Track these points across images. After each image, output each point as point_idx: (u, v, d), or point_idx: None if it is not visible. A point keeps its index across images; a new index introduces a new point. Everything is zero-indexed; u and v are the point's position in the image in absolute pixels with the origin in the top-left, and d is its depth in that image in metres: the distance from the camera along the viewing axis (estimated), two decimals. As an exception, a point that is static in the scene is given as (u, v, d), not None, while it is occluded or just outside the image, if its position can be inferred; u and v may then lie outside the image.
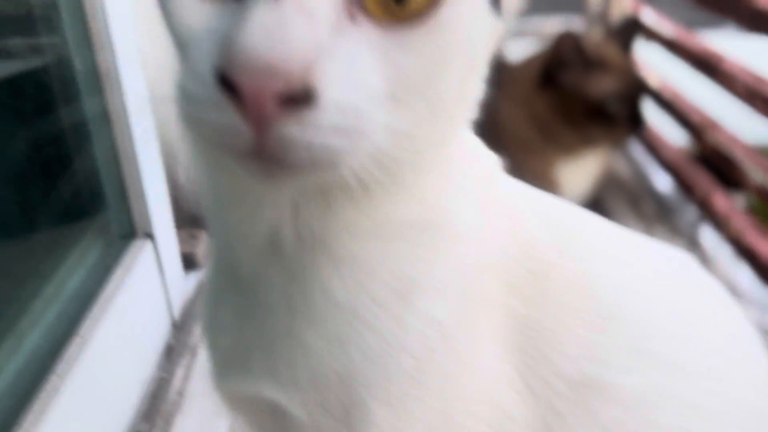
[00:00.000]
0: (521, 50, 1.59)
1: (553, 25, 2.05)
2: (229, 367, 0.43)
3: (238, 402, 0.45)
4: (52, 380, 0.58)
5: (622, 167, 1.61)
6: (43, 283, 0.67)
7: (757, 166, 1.12)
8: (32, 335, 0.62)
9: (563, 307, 0.42)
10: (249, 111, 0.26)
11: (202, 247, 0.98)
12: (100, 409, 0.66)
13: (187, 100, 0.29)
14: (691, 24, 1.46)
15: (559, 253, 0.42)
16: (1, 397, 0.55)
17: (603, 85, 1.27)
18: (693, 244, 1.32)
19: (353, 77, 0.28)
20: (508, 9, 0.35)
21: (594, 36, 1.65)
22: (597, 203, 1.45)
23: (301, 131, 0.27)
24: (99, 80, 0.70)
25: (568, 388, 0.41)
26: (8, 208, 0.69)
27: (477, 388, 0.40)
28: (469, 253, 0.40)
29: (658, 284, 0.46)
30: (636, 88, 1.32)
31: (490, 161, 0.44)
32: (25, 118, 0.68)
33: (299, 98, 0.26)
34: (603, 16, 1.76)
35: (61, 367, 0.59)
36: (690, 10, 1.35)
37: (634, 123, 1.31)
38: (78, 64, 0.69)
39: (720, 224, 1.22)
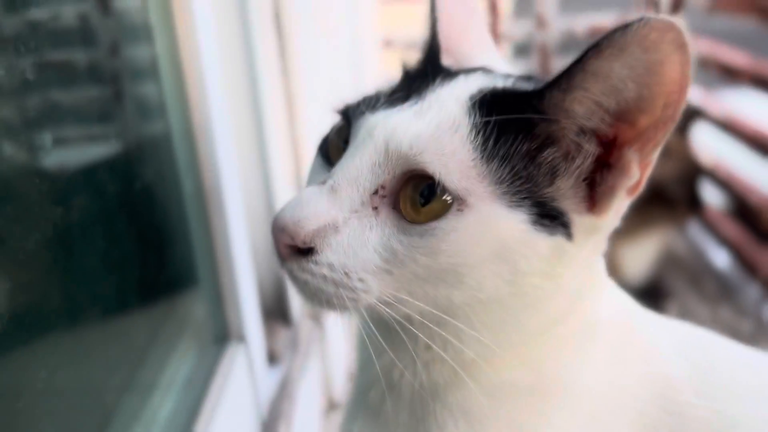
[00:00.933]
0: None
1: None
2: None
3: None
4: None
5: (680, 247, 1.61)
6: (148, 394, 0.70)
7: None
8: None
9: None
10: (275, 249, 0.40)
11: (282, 341, 1.00)
12: None
13: None
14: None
15: (696, 392, 0.44)
16: None
17: (663, 171, 1.30)
18: (759, 323, 1.30)
19: (351, 249, 0.39)
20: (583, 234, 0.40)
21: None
22: (659, 284, 1.45)
23: (300, 271, 0.39)
24: (203, 198, 0.75)
25: None
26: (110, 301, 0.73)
27: None
28: (584, 414, 0.43)
29: None
30: (694, 171, 1.34)
31: (628, 307, 0.46)
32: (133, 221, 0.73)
33: (302, 251, 0.38)
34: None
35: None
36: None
37: (694, 204, 1.33)
38: (187, 185, 0.74)
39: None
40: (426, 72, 0.42)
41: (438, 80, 0.40)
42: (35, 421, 0.51)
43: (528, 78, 0.42)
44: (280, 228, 0.38)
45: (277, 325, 1.03)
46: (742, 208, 1.43)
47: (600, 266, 0.45)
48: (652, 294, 1.44)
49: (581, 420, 0.43)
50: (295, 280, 0.40)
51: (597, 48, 0.34)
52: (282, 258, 0.39)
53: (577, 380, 0.42)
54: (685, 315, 1.39)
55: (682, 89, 0.35)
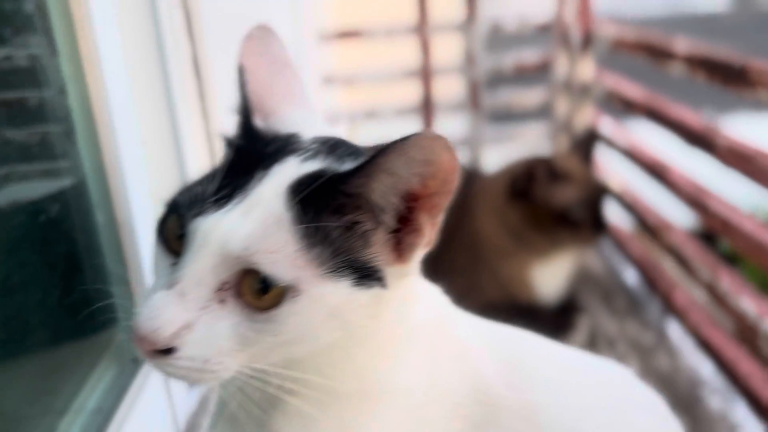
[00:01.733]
0: (498, 155, 1.74)
1: (525, 132, 2.24)
2: None
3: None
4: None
5: (595, 265, 1.73)
6: (67, 401, 0.77)
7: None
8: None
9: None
10: (139, 350, 0.46)
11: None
12: None
13: None
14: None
15: (506, 385, 0.53)
16: None
17: (567, 195, 1.42)
18: (660, 336, 1.41)
19: (206, 340, 0.46)
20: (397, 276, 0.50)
21: (560, 147, 1.81)
22: (573, 300, 1.56)
23: (165, 366, 0.46)
24: (116, 230, 0.83)
25: None
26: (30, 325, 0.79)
27: None
28: (403, 409, 0.52)
29: (600, 407, 0.57)
30: (596, 195, 1.46)
31: (442, 309, 0.55)
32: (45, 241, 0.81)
33: (164, 351, 0.45)
34: (567, 125, 1.94)
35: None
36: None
37: (598, 226, 1.44)
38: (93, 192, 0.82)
39: (681, 317, 1.32)
40: (247, 149, 0.50)
41: (259, 170, 0.48)
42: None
43: (334, 145, 0.51)
44: (140, 338, 0.45)
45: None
46: (645, 228, 1.55)
47: (414, 283, 0.54)
48: (566, 310, 1.55)
49: (401, 415, 0.52)
50: (163, 371, 0.47)
51: (386, 151, 0.45)
52: (146, 355, 0.46)
53: (395, 381, 0.52)
54: (596, 329, 1.51)
55: (454, 171, 0.46)
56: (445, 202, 0.48)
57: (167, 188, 0.52)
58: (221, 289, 0.46)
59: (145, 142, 0.90)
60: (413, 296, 0.54)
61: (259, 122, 0.53)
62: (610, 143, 1.70)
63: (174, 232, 0.49)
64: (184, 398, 0.97)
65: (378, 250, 0.48)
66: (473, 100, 2.17)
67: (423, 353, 0.53)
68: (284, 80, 0.56)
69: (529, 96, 2.19)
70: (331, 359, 0.50)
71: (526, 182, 1.45)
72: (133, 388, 0.84)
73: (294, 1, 2.00)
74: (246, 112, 0.53)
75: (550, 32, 2.02)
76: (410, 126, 2.23)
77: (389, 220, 0.48)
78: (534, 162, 1.47)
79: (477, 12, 2.10)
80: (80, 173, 0.82)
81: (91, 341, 0.88)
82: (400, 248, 0.49)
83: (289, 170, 0.48)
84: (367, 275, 0.48)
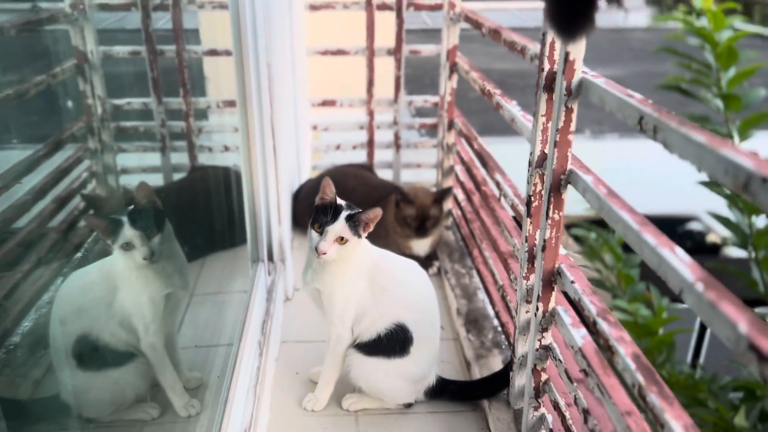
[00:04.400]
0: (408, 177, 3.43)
1: (425, 164, 3.90)
2: (308, 283, 2.16)
3: (311, 294, 2.20)
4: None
5: (448, 237, 3.42)
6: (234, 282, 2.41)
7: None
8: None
9: (385, 282, 2.17)
10: (315, 255, 1.95)
11: (271, 267, 2.73)
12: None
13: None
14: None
15: (387, 268, 2.20)
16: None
17: (407, 212, 3.10)
18: (469, 272, 3.11)
19: (331, 252, 1.90)
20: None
21: (419, 188, 3.49)
22: (433, 253, 3.25)
23: (323, 257, 1.93)
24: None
25: (384, 297, 2.15)
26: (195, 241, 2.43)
27: (357, 302, 2.15)
28: (358, 271, 2.14)
29: (408, 275, 2.22)
30: (423, 215, 3.12)
31: (370, 247, 2.22)
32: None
33: (324, 253, 1.90)
34: (438, 185, 3.60)
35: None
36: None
37: (420, 231, 3.12)
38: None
39: (477, 267, 3.02)
40: (334, 207, 2.04)
41: (337, 213, 2.00)
42: None
43: (350, 205, 2.09)
44: (319, 251, 1.89)
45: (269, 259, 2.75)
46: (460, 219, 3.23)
47: (364, 240, 2.17)
48: (429, 257, 3.25)
49: (355, 273, 2.15)
50: (320, 259, 1.95)
51: (365, 211, 2.09)
52: (318, 257, 1.92)
53: (356, 262, 2.13)
54: (442, 266, 3.20)
55: (377, 218, 2.08)
56: (375, 222, 2.08)
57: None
58: (335, 241, 1.88)
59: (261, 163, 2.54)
60: (364, 243, 2.15)
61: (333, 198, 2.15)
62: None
63: (318, 228, 2.01)
64: (279, 282, 2.63)
65: (360, 230, 2.01)
66: (396, 143, 3.82)
67: (363, 257, 2.16)
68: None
69: (428, 144, 3.86)
70: (343, 255, 2.07)
71: (398, 200, 3.12)
72: (258, 272, 2.48)
73: (300, 85, 3.60)
74: (335, 201, 2.12)
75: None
76: (361, 155, 3.88)
77: (363, 225, 2.04)
78: (401, 190, 3.14)
79: (401, 94, 3.73)
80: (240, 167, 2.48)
81: (242, 248, 2.52)
82: (364, 230, 2.05)
83: (343, 213, 2.02)
84: (358, 235, 2.03)
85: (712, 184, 3.01)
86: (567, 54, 1.44)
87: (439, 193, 3.13)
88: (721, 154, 0.89)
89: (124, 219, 1.74)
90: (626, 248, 2.99)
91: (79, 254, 2.48)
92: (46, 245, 2.27)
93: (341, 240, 1.92)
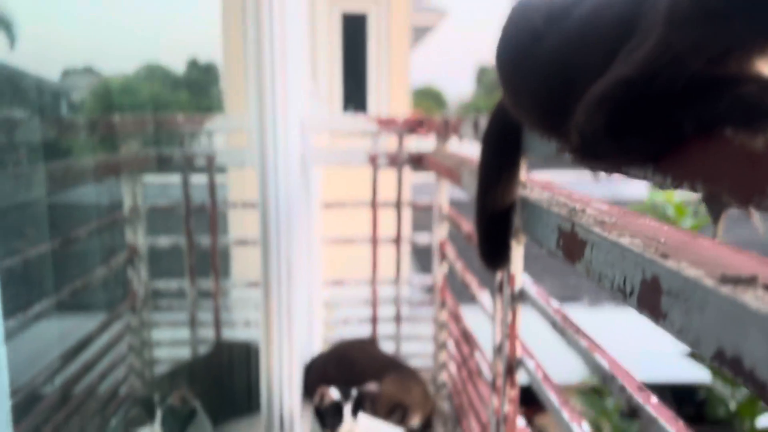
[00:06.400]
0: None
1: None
2: None
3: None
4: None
5: (445, 407, 3.74)
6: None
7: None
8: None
9: None
10: None
11: None
12: None
13: None
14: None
15: None
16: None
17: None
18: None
19: None
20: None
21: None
22: (429, 421, 3.56)
23: None
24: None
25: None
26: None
27: None
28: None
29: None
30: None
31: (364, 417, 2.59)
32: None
33: None
34: (434, 356, 4.01)
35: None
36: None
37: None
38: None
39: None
40: None
41: None
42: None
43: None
44: None
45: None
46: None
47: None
48: (425, 427, 3.54)
49: None
50: None
51: (365, 388, 2.49)
52: None
53: None
54: None
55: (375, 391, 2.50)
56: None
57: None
58: None
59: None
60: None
61: (330, 401, 2.57)
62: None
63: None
64: None
65: (366, 405, 2.49)
66: (397, 317, 4.27)
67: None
68: None
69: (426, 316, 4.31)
70: None
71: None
72: None
73: (315, 269, 4.14)
74: (334, 400, 2.56)
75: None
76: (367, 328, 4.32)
77: (367, 402, 2.49)
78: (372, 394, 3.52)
79: (401, 275, 4.24)
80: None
81: (257, 415, 2.87)
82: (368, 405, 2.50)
83: (346, 408, 2.50)
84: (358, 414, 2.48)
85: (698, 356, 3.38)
86: (509, 268, 1.93)
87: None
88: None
89: (157, 418, 2.14)
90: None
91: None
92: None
93: None
